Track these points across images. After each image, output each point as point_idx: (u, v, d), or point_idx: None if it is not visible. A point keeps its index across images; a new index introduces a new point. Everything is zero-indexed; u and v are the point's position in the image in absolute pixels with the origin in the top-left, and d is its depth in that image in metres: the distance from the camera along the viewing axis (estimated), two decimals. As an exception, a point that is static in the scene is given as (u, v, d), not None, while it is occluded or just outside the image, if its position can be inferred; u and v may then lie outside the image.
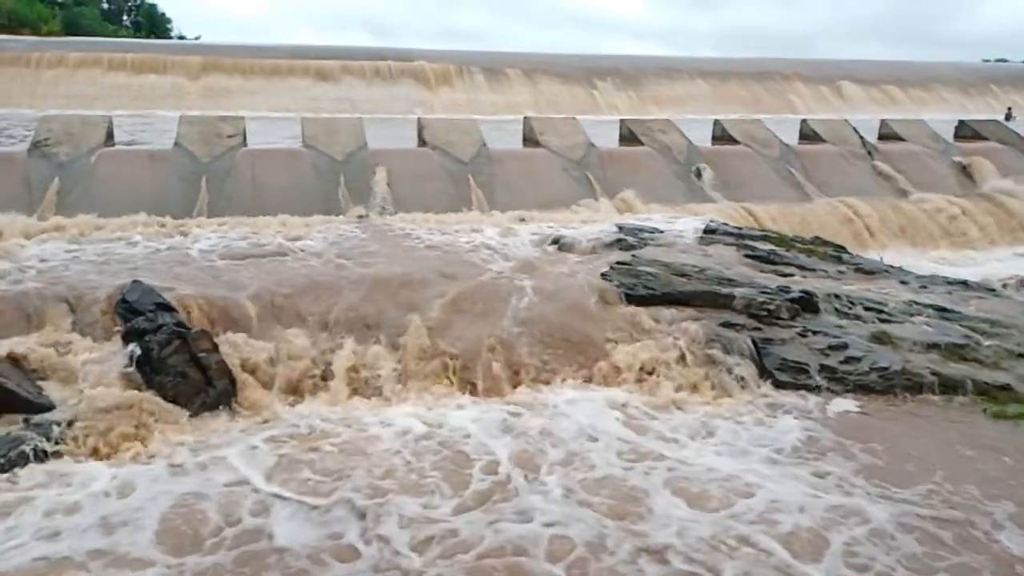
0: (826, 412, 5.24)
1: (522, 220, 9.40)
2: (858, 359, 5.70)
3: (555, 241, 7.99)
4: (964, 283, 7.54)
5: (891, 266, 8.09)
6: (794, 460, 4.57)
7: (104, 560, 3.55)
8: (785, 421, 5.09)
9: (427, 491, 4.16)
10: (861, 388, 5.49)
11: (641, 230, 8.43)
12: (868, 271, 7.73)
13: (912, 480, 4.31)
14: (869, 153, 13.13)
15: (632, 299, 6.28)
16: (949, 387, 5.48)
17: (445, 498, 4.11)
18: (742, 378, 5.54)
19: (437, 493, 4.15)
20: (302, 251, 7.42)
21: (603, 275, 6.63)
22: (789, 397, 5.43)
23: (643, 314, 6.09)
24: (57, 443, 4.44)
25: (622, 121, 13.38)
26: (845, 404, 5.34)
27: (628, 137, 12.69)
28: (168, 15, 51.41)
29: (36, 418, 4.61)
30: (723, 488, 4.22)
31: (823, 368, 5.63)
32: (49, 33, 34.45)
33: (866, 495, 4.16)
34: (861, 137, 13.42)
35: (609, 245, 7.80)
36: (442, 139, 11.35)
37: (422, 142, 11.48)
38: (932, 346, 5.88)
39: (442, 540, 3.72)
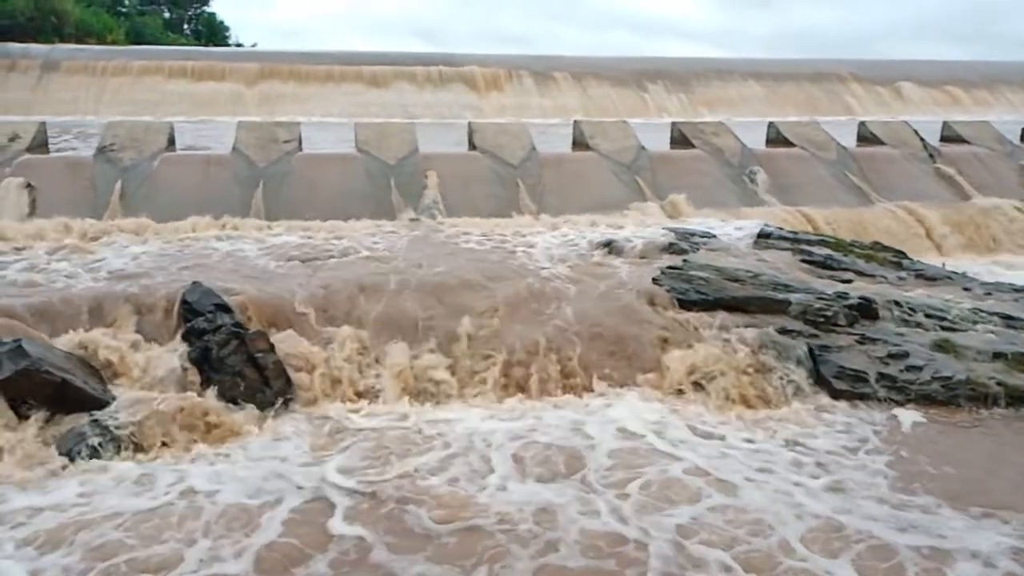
0: (900, 426, 5.00)
1: (572, 224, 9.37)
2: (919, 368, 5.53)
3: (605, 245, 7.94)
4: (1032, 290, 7.27)
5: (954, 272, 7.84)
6: (911, 497, 4.13)
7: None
8: (866, 437, 4.84)
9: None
10: (923, 398, 5.32)
11: (693, 234, 8.33)
12: (930, 277, 7.50)
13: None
14: (931, 155, 12.73)
15: (684, 304, 6.22)
16: (1016, 398, 5.28)
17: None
18: (798, 385, 5.43)
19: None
20: (355, 254, 7.52)
21: (654, 280, 6.57)
22: (849, 407, 5.27)
23: (696, 320, 6.02)
24: (120, 440, 4.58)
25: (673, 124, 13.21)
26: (912, 415, 5.14)
27: (679, 140, 12.55)
28: (226, 23, 52.62)
29: (101, 415, 4.75)
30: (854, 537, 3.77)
31: (882, 377, 5.48)
32: (114, 42, 35.57)
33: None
34: (922, 139, 13.02)
35: (660, 249, 7.71)
36: (492, 143, 11.39)
37: (472, 146, 11.54)
38: (997, 355, 5.67)
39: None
